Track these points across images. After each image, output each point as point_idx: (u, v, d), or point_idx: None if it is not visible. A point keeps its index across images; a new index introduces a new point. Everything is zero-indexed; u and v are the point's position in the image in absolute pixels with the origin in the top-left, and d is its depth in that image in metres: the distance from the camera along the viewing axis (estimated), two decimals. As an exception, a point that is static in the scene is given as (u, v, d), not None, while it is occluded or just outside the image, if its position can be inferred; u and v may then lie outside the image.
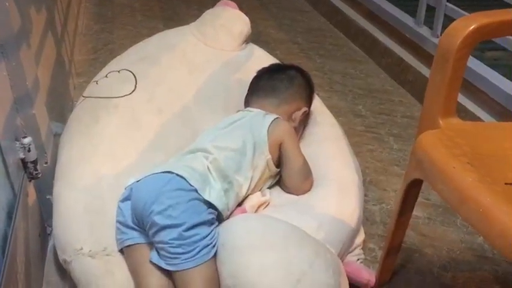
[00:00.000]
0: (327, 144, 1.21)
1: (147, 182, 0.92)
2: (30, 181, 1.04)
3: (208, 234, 0.87)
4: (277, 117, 1.09)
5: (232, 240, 0.87)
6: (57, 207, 0.98)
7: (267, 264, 0.84)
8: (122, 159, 1.04)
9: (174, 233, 0.85)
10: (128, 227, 0.91)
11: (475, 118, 1.55)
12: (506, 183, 0.74)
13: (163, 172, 0.93)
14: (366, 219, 1.25)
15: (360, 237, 1.11)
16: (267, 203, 1.05)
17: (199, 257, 0.84)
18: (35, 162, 1.03)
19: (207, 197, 0.91)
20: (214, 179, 0.95)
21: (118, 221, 0.93)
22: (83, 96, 1.17)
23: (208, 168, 0.96)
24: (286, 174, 1.06)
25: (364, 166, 1.43)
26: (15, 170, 0.97)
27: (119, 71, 1.18)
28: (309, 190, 1.06)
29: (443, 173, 0.77)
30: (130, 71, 1.17)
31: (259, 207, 1.03)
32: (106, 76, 1.18)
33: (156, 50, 1.26)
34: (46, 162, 1.10)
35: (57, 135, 1.21)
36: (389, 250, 1.00)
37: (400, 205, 0.90)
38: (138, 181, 0.94)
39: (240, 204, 1.02)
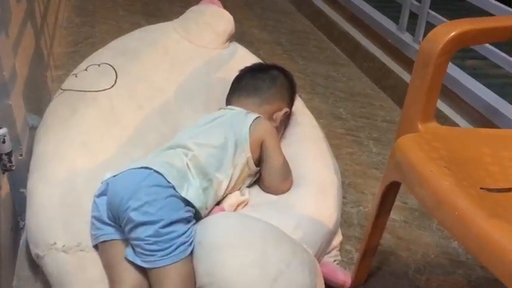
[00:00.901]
0: (307, 145, 1.21)
1: (124, 177, 0.91)
2: (3, 173, 1.02)
3: (185, 232, 0.86)
4: (258, 116, 1.08)
5: (209, 238, 0.87)
6: (30, 200, 0.96)
7: (244, 263, 0.84)
8: (99, 154, 1.02)
9: (150, 229, 0.84)
10: (103, 222, 0.90)
11: (453, 124, 1.58)
12: (481, 188, 0.76)
13: (140, 168, 0.92)
14: (344, 221, 1.26)
15: (337, 239, 1.11)
16: (245, 202, 1.05)
17: (175, 255, 0.83)
18: (9, 154, 1.01)
19: (184, 194, 0.90)
20: (193, 176, 0.94)
21: (93, 216, 0.92)
22: (61, 89, 1.15)
23: (187, 165, 0.95)
24: (266, 173, 1.06)
25: (343, 168, 1.44)
26: (-12, 161, 0.95)
27: (99, 65, 1.16)
28: (288, 190, 1.06)
29: (420, 176, 0.78)
30: (110, 65, 1.16)
31: (237, 206, 1.03)
32: (86, 69, 1.16)
33: (137, 45, 1.24)
34: (21, 155, 1.08)
35: (33, 128, 1.18)
36: (365, 252, 1.00)
37: (377, 207, 0.91)
38: (114, 176, 0.92)
39: (218, 203, 1.01)
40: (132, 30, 1.38)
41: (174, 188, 0.89)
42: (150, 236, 0.83)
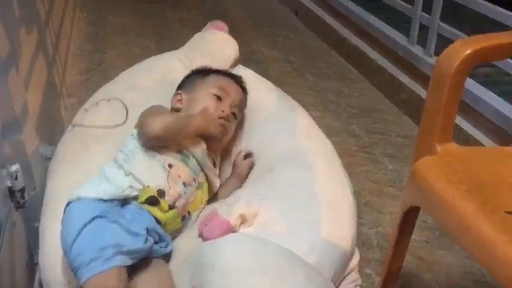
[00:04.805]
0: (319, 163, 1.18)
1: None
2: (17, 210, 1.01)
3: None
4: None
5: (222, 261, 0.85)
6: (43, 239, 0.96)
7: (259, 290, 0.82)
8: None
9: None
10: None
11: (468, 138, 1.55)
12: (506, 212, 0.73)
13: None
14: (362, 243, 1.23)
15: (354, 261, 1.08)
16: (254, 215, 1.01)
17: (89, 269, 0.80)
18: (22, 191, 1.00)
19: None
20: None
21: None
22: (72, 125, 1.15)
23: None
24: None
25: (359, 187, 1.41)
26: (1, 198, 0.95)
27: (108, 100, 1.16)
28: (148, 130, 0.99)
29: (441, 202, 0.75)
30: (120, 100, 1.16)
31: (245, 221, 0.99)
32: (96, 104, 1.16)
33: (145, 78, 1.25)
34: (34, 189, 1.07)
35: (47, 159, 1.18)
36: (387, 278, 0.97)
37: (397, 233, 0.88)
38: None
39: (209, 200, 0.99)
40: (143, 54, 1.38)
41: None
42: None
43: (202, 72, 1.17)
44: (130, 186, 0.94)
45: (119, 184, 0.93)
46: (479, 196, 0.74)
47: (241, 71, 1.35)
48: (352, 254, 1.06)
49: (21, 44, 1.19)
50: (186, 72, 1.24)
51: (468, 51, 0.81)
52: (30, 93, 1.21)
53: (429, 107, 0.86)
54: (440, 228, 1.29)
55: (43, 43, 1.54)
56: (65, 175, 1.05)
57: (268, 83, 1.36)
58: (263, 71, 1.46)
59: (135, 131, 1.03)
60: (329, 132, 1.38)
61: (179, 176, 0.98)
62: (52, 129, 1.47)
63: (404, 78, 1.93)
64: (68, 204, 0.91)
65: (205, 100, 1.09)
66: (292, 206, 1.04)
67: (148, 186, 0.94)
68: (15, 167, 0.98)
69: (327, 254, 0.97)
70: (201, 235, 0.97)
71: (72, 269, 0.84)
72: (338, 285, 1.02)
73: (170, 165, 0.98)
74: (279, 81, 1.99)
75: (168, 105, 1.15)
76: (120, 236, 0.85)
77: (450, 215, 0.73)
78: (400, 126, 1.80)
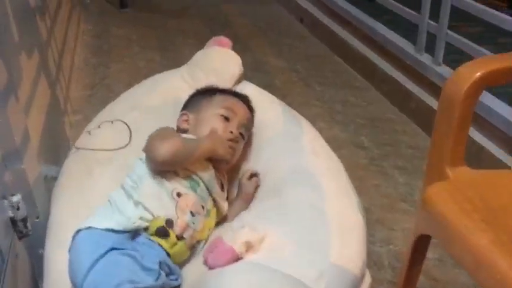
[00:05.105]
0: (325, 181, 1.15)
1: None
2: (19, 240, 1.00)
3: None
4: None
5: None
6: (48, 268, 0.94)
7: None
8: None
9: None
10: None
11: (481, 150, 1.51)
12: (523, 243, 0.69)
13: None
14: (373, 262, 1.20)
15: (366, 283, 1.05)
16: (261, 240, 0.98)
17: None
18: (24, 220, 0.99)
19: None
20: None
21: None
22: (76, 147, 1.13)
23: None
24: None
25: (368, 203, 1.38)
26: (3, 229, 0.93)
27: (112, 122, 1.14)
28: (158, 152, 0.94)
29: (454, 233, 0.72)
30: (124, 122, 1.14)
31: (250, 247, 0.97)
32: (99, 127, 1.14)
33: (148, 98, 1.22)
34: (37, 217, 1.06)
35: (51, 179, 1.17)
36: (399, 304, 0.94)
37: (409, 261, 0.85)
38: None
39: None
40: (147, 67, 1.37)
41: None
42: None
43: (208, 92, 1.15)
44: (141, 218, 0.91)
45: (129, 215, 0.91)
46: (494, 225, 0.71)
47: (246, 87, 1.33)
48: (363, 277, 1.03)
49: (21, 70, 1.18)
50: (190, 91, 1.22)
51: (477, 75, 0.78)
52: (32, 118, 1.19)
53: (439, 131, 0.83)
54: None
55: (45, 64, 1.53)
56: (69, 201, 1.03)
57: (273, 97, 1.33)
58: (269, 82, 1.44)
59: (143, 155, 0.99)
60: (337, 145, 1.35)
61: (187, 205, 0.95)
62: (56, 148, 1.45)
63: (412, 87, 1.90)
64: (77, 233, 0.89)
65: (212, 121, 1.07)
66: (300, 230, 1.01)
67: (158, 217, 0.92)
68: (16, 198, 0.97)
69: (337, 280, 0.94)
70: (206, 263, 0.95)
71: None
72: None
73: (179, 194, 0.95)
74: (285, 91, 1.99)
75: (172, 125, 1.13)
76: (135, 271, 0.83)
77: (463, 247, 0.70)
78: (410, 137, 1.76)
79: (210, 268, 0.93)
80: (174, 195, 0.95)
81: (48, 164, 1.26)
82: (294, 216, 1.04)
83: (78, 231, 0.88)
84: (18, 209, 0.97)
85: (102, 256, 0.82)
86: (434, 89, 1.76)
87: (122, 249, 0.84)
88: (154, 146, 0.95)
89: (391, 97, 2.00)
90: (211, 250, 0.95)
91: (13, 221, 0.98)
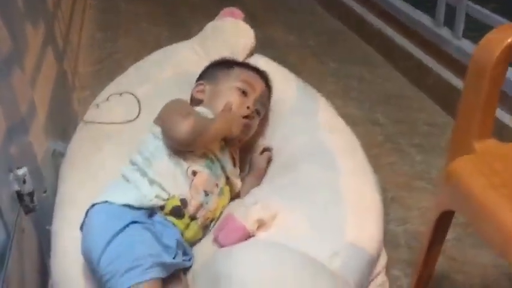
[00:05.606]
0: (341, 159, 1.11)
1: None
2: (26, 214, 0.97)
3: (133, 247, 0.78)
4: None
5: (241, 273, 0.78)
6: (55, 247, 0.91)
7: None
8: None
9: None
10: None
11: (503, 127, 1.45)
12: (556, 219, 0.65)
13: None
14: (389, 242, 1.15)
15: (382, 262, 1.01)
16: (273, 217, 0.95)
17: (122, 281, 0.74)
18: (31, 194, 0.96)
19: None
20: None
21: None
22: (84, 121, 1.10)
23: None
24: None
25: (384, 181, 1.33)
26: (9, 203, 0.90)
27: (120, 94, 1.10)
28: (179, 133, 0.89)
29: (481, 209, 0.68)
30: (133, 94, 1.10)
31: (262, 225, 0.93)
32: (107, 99, 1.11)
33: (158, 70, 1.18)
34: (45, 192, 1.03)
35: (59, 154, 1.14)
36: (417, 285, 0.91)
37: (429, 240, 0.81)
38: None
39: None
40: (156, 42, 1.33)
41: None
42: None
43: (226, 64, 1.10)
44: (157, 196, 0.87)
45: (145, 192, 0.87)
46: (526, 201, 0.66)
47: (259, 60, 1.28)
48: (379, 256, 1.00)
49: (27, 41, 1.14)
50: (201, 63, 1.17)
51: (509, 41, 0.72)
52: (38, 91, 1.16)
53: (467, 102, 0.78)
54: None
55: (52, 36, 1.49)
56: (77, 178, 1.00)
57: (287, 71, 1.29)
58: (281, 58, 1.38)
59: (156, 130, 0.94)
60: (352, 122, 1.29)
61: (201, 184, 0.91)
62: (65, 125, 1.42)
63: (431, 62, 1.83)
64: (92, 207, 0.85)
65: (229, 94, 1.02)
66: (314, 207, 0.97)
67: (173, 196, 0.88)
68: (22, 171, 0.94)
69: (352, 259, 0.91)
70: (216, 241, 0.92)
71: (100, 278, 0.77)
72: (365, 291, 0.96)
73: (194, 173, 0.91)
74: (298, 68, 1.93)
75: (183, 97, 1.08)
76: (154, 246, 0.80)
77: (491, 224, 0.66)
78: (427, 114, 1.70)
79: (221, 246, 0.90)
80: (189, 173, 0.91)
81: (56, 140, 1.23)
82: (307, 193, 1.00)
83: (93, 205, 0.85)
84: (24, 182, 0.94)
85: (122, 229, 0.79)
86: (454, 64, 1.70)
87: (143, 223, 0.81)
88: (174, 124, 0.89)
89: (408, 73, 1.93)
90: (221, 228, 0.92)
91: (19, 195, 0.95)
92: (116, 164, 1.00)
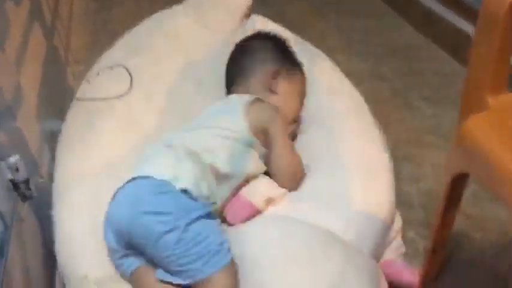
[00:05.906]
0: (346, 118, 1.05)
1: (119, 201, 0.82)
2: (24, 202, 0.94)
3: (213, 233, 0.76)
4: (254, 98, 0.95)
5: (249, 253, 0.78)
6: (58, 231, 0.89)
7: (292, 284, 0.74)
8: (122, 171, 0.92)
9: (173, 238, 0.73)
10: (119, 254, 0.81)
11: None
12: None
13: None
14: (402, 202, 1.11)
15: (396, 225, 0.98)
16: (282, 194, 0.91)
17: (216, 261, 0.73)
18: (26, 182, 0.93)
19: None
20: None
21: (109, 248, 0.83)
22: (76, 99, 1.06)
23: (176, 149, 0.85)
24: (270, 167, 0.93)
25: (394, 139, 1.28)
26: (4, 193, 0.87)
27: (111, 67, 1.06)
28: (296, 188, 0.92)
29: (497, 170, 0.63)
30: (124, 67, 1.05)
31: (271, 201, 0.90)
32: (98, 74, 1.06)
33: (149, 40, 1.13)
34: (42, 177, 1.00)
35: (57, 133, 1.10)
36: (434, 248, 0.87)
37: (444, 204, 0.77)
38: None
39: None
40: (152, 9, 1.26)
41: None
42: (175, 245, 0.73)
43: (288, 59, 1.06)
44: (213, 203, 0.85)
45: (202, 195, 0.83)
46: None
47: (256, 22, 1.21)
48: (392, 221, 0.96)
49: (8, 19, 1.08)
50: (195, 26, 1.11)
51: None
52: (26, 72, 1.10)
53: (478, 53, 0.71)
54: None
55: (37, 10, 1.42)
56: (73, 160, 0.98)
57: (284, 30, 1.22)
58: (278, 14, 1.31)
59: (250, 138, 0.90)
60: (357, 78, 1.23)
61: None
62: (61, 101, 1.37)
63: (439, 8, 1.73)
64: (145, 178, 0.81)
65: (296, 100, 1.05)
66: (322, 176, 0.93)
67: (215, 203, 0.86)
68: (14, 159, 0.90)
69: (365, 227, 0.87)
70: (225, 220, 0.89)
71: (156, 256, 0.76)
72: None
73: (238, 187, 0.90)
74: (297, 23, 1.83)
75: (178, 70, 1.03)
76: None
77: (508, 186, 0.61)
78: (437, 63, 1.63)
79: (230, 225, 0.87)
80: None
81: (52, 119, 1.19)
82: (314, 163, 0.96)
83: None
84: (17, 170, 0.91)
85: (203, 216, 0.78)
86: (463, 9, 1.60)
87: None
88: (300, 174, 0.93)
89: (415, 22, 1.84)
90: (230, 207, 0.89)
91: (14, 184, 0.92)
92: (110, 141, 0.98)
